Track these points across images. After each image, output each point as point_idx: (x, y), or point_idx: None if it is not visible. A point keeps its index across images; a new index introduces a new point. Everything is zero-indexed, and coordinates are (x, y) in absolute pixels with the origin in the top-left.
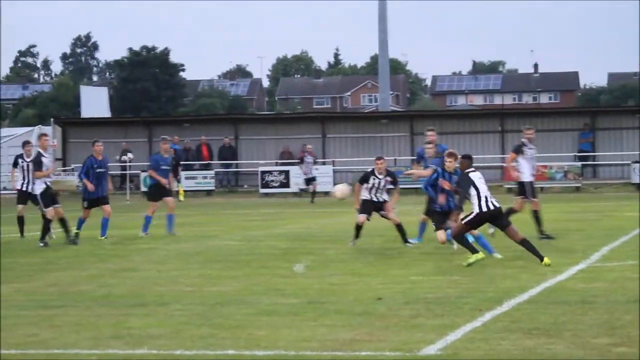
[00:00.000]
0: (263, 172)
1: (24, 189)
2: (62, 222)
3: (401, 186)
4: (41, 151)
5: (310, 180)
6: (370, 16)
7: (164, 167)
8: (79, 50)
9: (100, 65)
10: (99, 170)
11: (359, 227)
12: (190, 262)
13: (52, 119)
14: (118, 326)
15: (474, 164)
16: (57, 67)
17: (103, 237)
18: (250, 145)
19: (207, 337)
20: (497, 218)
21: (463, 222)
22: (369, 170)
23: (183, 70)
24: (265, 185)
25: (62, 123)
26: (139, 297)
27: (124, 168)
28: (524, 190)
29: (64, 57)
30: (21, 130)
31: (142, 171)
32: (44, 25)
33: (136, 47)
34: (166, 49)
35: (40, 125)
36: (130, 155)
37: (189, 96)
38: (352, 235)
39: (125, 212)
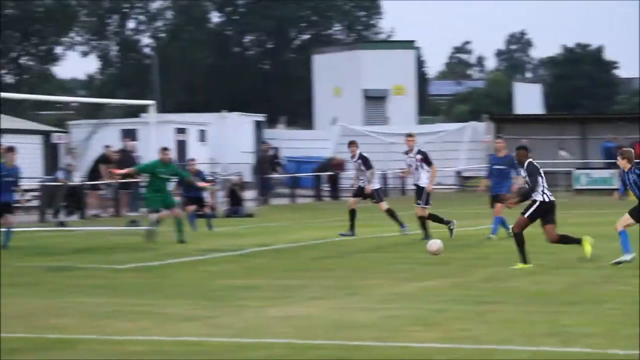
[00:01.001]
0: None
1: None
2: (433, 217)
3: None
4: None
5: None
6: None
7: None
8: (512, 47)
9: (534, 62)
10: (496, 167)
11: None
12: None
13: (484, 115)
14: (551, 324)
15: None
16: (491, 63)
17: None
18: None
19: None
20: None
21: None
22: None
23: (617, 67)
24: None
25: (496, 119)
26: (573, 294)
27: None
28: None
29: (498, 53)
30: (453, 125)
31: (577, 168)
32: (479, 22)
33: (570, 44)
34: (600, 46)
35: (473, 122)
36: (564, 153)
37: (623, 94)
38: None
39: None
